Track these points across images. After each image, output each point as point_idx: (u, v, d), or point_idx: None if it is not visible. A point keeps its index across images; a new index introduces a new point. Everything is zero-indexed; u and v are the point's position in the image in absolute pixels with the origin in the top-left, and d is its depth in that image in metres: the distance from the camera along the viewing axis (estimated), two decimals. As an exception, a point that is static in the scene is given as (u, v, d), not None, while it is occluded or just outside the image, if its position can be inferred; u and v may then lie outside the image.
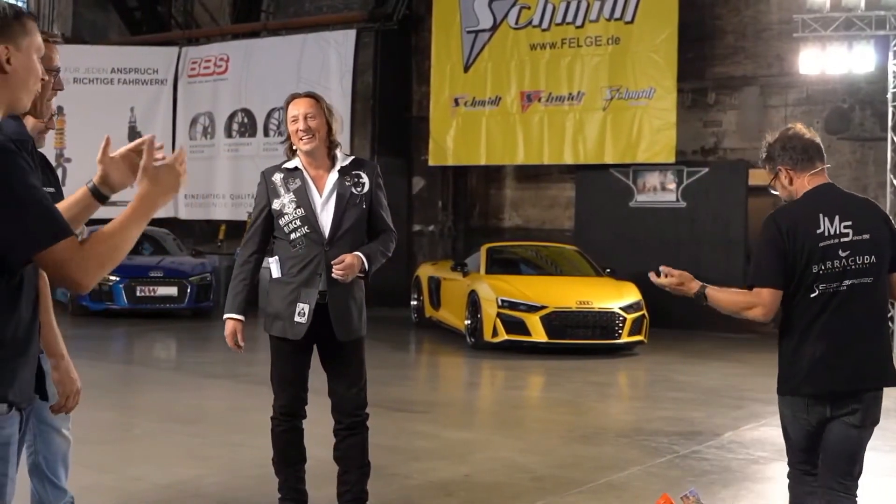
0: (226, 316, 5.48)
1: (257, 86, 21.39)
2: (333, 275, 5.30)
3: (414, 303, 17.33)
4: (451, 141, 19.82)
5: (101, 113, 20.63)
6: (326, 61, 20.72)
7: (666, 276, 4.45)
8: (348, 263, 5.29)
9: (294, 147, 5.50)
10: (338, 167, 5.48)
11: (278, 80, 20.09)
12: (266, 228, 5.54)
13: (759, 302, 4.34)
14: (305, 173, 5.46)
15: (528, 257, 16.50)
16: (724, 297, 4.44)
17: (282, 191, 5.45)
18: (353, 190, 5.48)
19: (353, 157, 5.64)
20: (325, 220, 5.39)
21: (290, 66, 20.80)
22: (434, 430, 8.65)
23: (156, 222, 16.68)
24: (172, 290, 17.45)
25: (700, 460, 7.67)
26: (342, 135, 19.69)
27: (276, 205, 5.45)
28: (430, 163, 20.22)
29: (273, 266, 5.50)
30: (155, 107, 22.38)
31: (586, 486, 6.82)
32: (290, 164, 5.51)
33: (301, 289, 5.38)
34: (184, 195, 21.30)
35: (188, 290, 17.43)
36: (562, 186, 20.47)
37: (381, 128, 20.72)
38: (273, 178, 5.52)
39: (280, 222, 5.44)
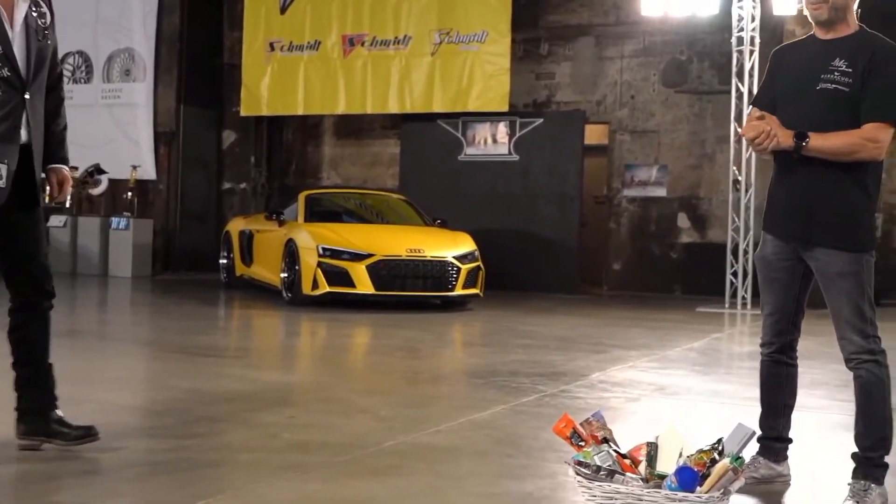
0: None
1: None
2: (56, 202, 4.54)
3: (223, 261, 15.63)
4: (266, 89, 18.19)
5: None
6: (128, 0, 18.77)
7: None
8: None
9: None
10: None
11: (76, 20, 18.02)
12: None
13: (885, 139, 4.01)
14: None
15: (350, 207, 15.03)
16: (836, 138, 4.00)
17: None
18: (39, 22, 4.37)
19: None
20: (21, 58, 4.29)
21: (89, 4, 18.74)
22: (250, 374, 7.13)
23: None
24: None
25: (573, 398, 6.39)
26: (145, 81, 18.09)
27: None
28: (243, 113, 18.52)
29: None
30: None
31: (444, 424, 5.45)
32: None
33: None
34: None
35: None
36: (385, 142, 19.08)
37: (188, 75, 18.86)
38: None
39: None
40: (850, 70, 4.02)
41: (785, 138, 3.99)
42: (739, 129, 4.08)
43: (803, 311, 4.34)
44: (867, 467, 4.06)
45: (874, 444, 4.06)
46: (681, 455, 3.71)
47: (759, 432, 4.27)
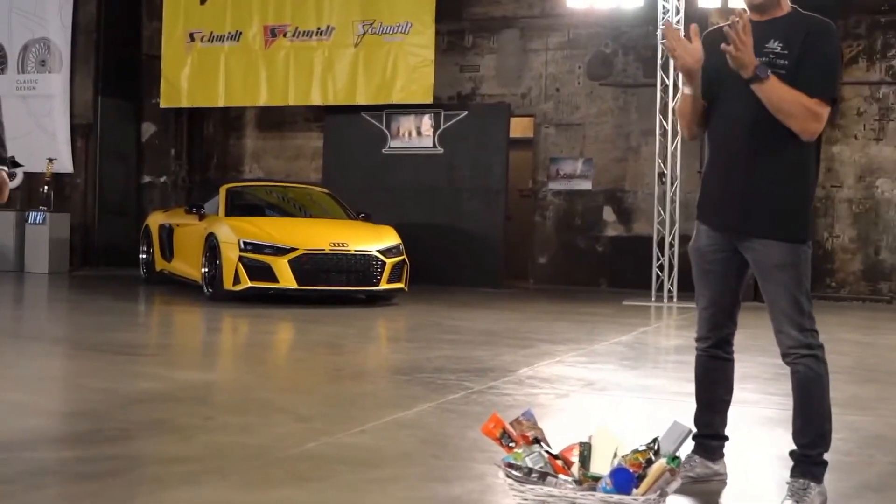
0: None
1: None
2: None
3: (143, 256, 15.24)
4: (186, 81, 17.79)
5: None
6: (44, -12, 18.28)
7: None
8: None
9: None
10: None
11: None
12: None
13: (823, 116, 3.86)
14: None
15: (273, 201, 14.73)
16: (786, 92, 3.82)
17: None
18: None
19: None
20: None
21: (3, -7, 18.24)
22: (167, 373, 6.87)
23: None
24: None
25: (501, 395, 6.24)
26: (61, 72, 17.60)
27: None
28: (162, 105, 18.10)
29: None
30: None
31: (366, 424, 5.25)
32: None
33: None
34: None
35: None
36: (308, 135, 18.80)
37: (106, 66, 18.39)
38: None
39: None
40: (786, 51, 3.90)
41: (751, 61, 3.83)
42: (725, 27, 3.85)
43: (739, 303, 4.21)
44: (806, 465, 3.93)
45: (813, 442, 3.93)
46: (615, 455, 3.55)
47: (694, 430, 4.13)
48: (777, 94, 3.82)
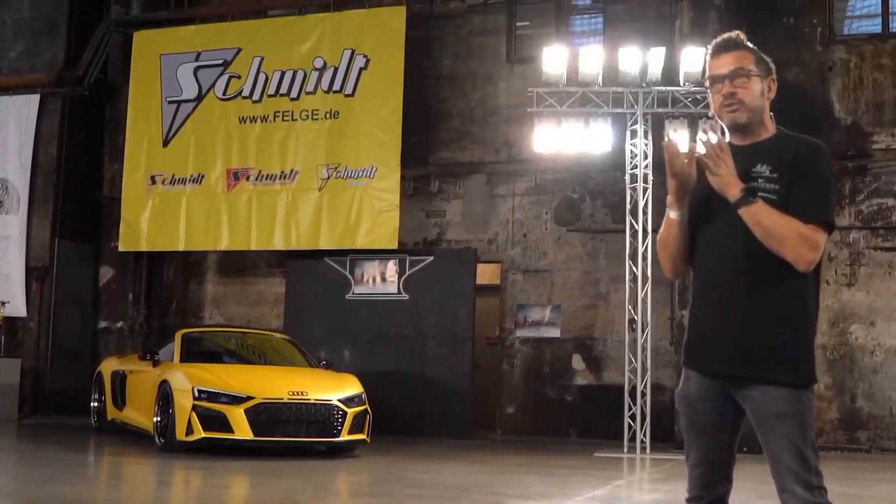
0: None
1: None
2: None
3: (95, 404, 14.65)
4: (146, 224, 17.48)
5: None
6: (4, 128, 18.01)
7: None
8: None
9: None
10: None
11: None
12: None
13: (819, 243, 3.50)
14: None
15: (231, 347, 14.24)
16: (778, 218, 3.47)
17: None
18: None
19: None
20: None
21: (-38, 133, 17.95)
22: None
23: None
24: None
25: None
26: (18, 213, 17.20)
27: None
28: (121, 248, 17.74)
29: None
30: None
31: None
32: None
33: None
34: None
35: None
36: (270, 281, 18.38)
37: (65, 208, 18.04)
38: None
39: None
40: (776, 175, 3.55)
41: (735, 182, 3.49)
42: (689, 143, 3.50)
43: (735, 458, 3.76)
44: None
45: None
46: None
47: None
48: (767, 218, 3.48)
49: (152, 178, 17.43)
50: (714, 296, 3.66)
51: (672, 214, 3.70)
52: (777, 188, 3.54)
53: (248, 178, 16.79)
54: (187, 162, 17.21)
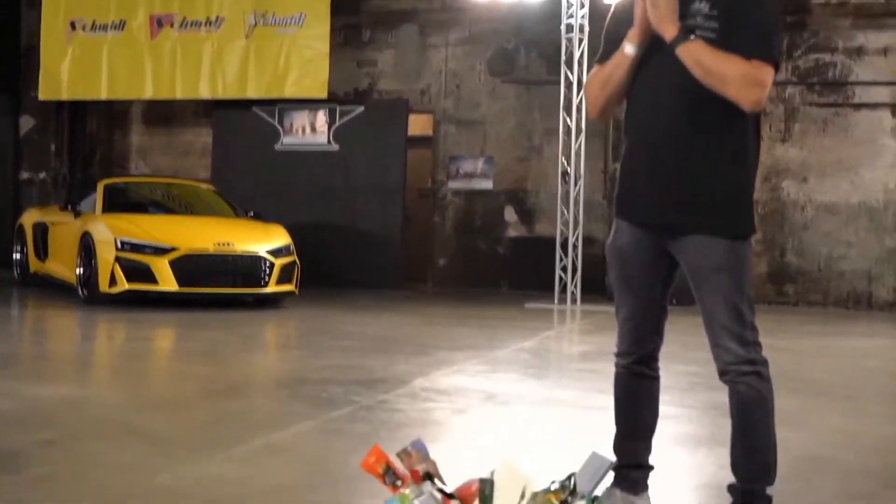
0: None
1: None
2: None
3: (17, 256, 14.24)
4: (66, 72, 16.79)
5: None
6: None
7: None
8: None
9: None
10: None
11: None
12: None
13: (765, 80, 3.23)
14: None
15: (155, 198, 13.84)
16: (720, 55, 3.24)
17: None
18: None
19: None
20: None
21: None
22: (16, 388, 6.07)
23: None
24: None
25: (392, 411, 5.56)
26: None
27: None
28: (41, 97, 17.07)
29: None
30: None
31: (234, 449, 4.53)
32: None
33: None
34: None
35: None
36: (197, 131, 17.90)
37: (-20, 56, 17.35)
38: None
39: None
40: (714, 13, 3.29)
41: (673, 19, 3.27)
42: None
43: (667, 312, 3.59)
44: (748, 501, 3.33)
45: (755, 474, 3.33)
46: (523, 497, 2.90)
47: (615, 460, 3.48)
48: (707, 56, 3.23)
49: (72, 23, 16.69)
50: (649, 143, 3.42)
51: (628, 49, 3.41)
52: (716, 26, 3.29)
53: (171, 25, 16.13)
54: (108, 7, 16.45)
